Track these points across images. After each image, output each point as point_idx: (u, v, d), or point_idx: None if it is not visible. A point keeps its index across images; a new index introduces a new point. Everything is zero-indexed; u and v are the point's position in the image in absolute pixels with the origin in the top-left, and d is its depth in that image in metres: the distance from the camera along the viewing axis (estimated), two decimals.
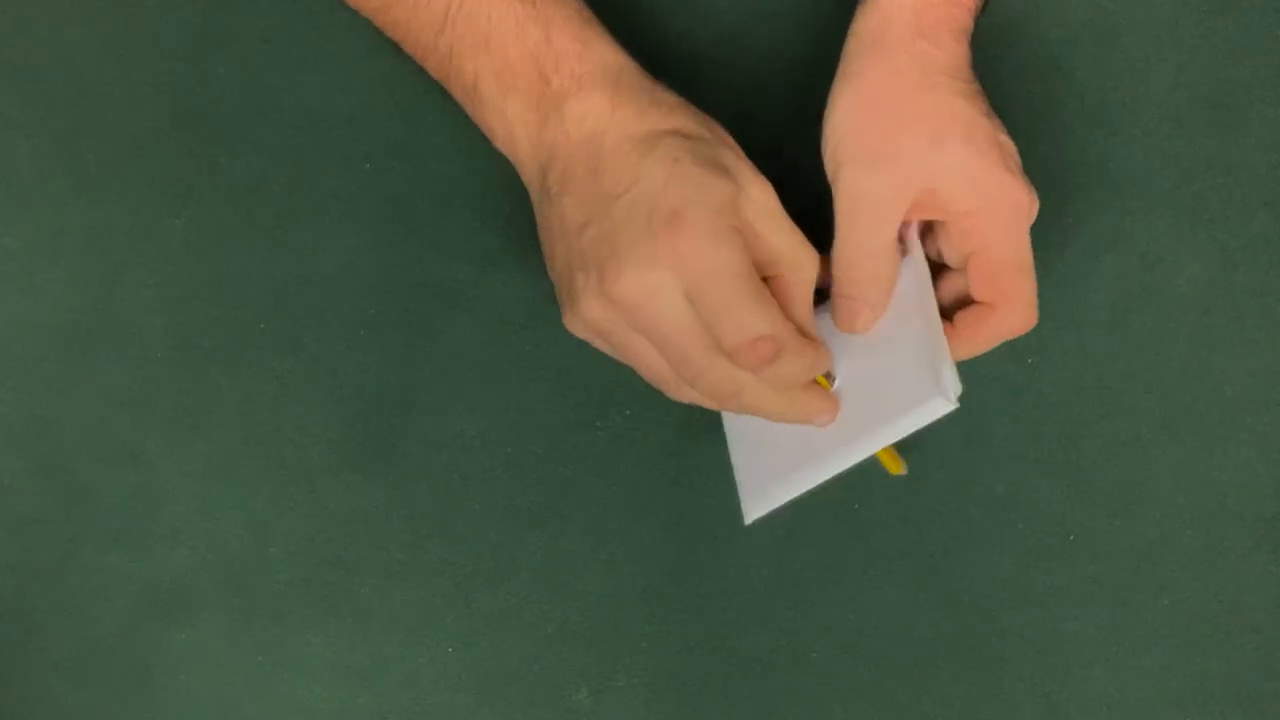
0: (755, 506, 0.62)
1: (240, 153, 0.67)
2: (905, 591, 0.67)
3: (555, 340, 0.67)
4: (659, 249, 0.54)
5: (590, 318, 0.57)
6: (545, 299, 0.66)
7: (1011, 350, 0.67)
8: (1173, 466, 0.67)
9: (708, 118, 0.58)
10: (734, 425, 0.64)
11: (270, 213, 0.67)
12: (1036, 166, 0.67)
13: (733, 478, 0.66)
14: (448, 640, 0.67)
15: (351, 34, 0.65)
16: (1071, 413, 0.67)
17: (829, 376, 0.61)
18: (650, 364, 0.57)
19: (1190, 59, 0.67)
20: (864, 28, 0.59)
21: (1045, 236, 0.67)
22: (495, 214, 0.67)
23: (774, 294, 0.57)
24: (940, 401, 0.58)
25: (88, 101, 0.66)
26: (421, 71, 0.63)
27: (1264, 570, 0.67)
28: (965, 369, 0.66)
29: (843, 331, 0.61)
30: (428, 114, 0.66)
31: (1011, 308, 0.59)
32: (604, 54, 0.58)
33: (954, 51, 0.58)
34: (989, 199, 0.58)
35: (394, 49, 0.63)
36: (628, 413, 0.67)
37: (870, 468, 0.68)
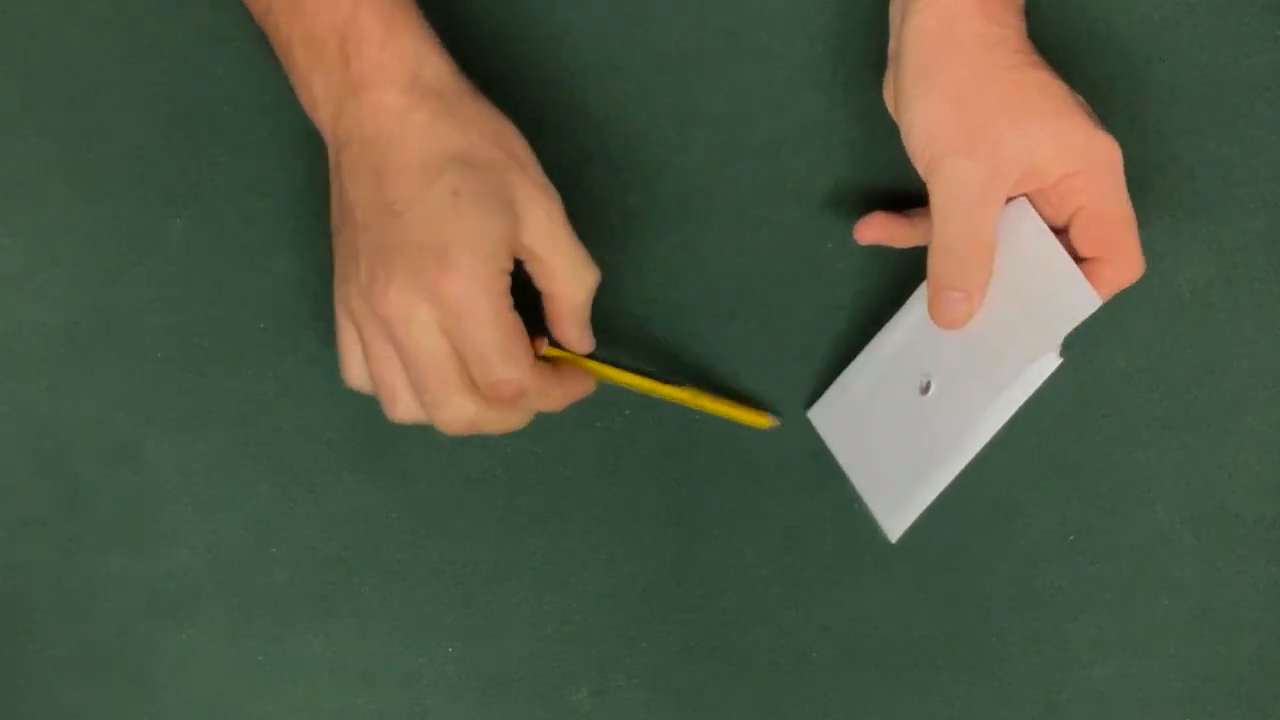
0: (897, 522, 0.64)
1: (240, 153, 0.67)
2: (905, 591, 0.67)
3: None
4: (424, 282, 0.55)
5: (352, 309, 0.58)
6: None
7: None
8: (1173, 466, 0.67)
9: (503, 128, 0.58)
10: (847, 454, 0.65)
11: (270, 213, 0.67)
12: None
13: (732, 479, 0.66)
14: (448, 640, 0.67)
15: None
16: (1072, 413, 0.67)
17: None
18: (385, 375, 0.58)
19: (1190, 59, 0.67)
20: (928, 21, 0.59)
21: None
22: None
23: (548, 310, 0.60)
24: (1049, 358, 0.60)
25: (88, 101, 0.66)
26: None
27: (1264, 570, 0.67)
28: None
29: (942, 327, 0.61)
30: None
31: (1122, 259, 0.60)
32: (408, 44, 0.57)
33: (1018, 26, 0.60)
34: (1085, 158, 0.58)
35: None
36: (627, 413, 0.67)
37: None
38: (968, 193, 0.59)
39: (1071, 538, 0.67)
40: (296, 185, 0.67)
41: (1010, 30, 0.59)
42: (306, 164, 0.66)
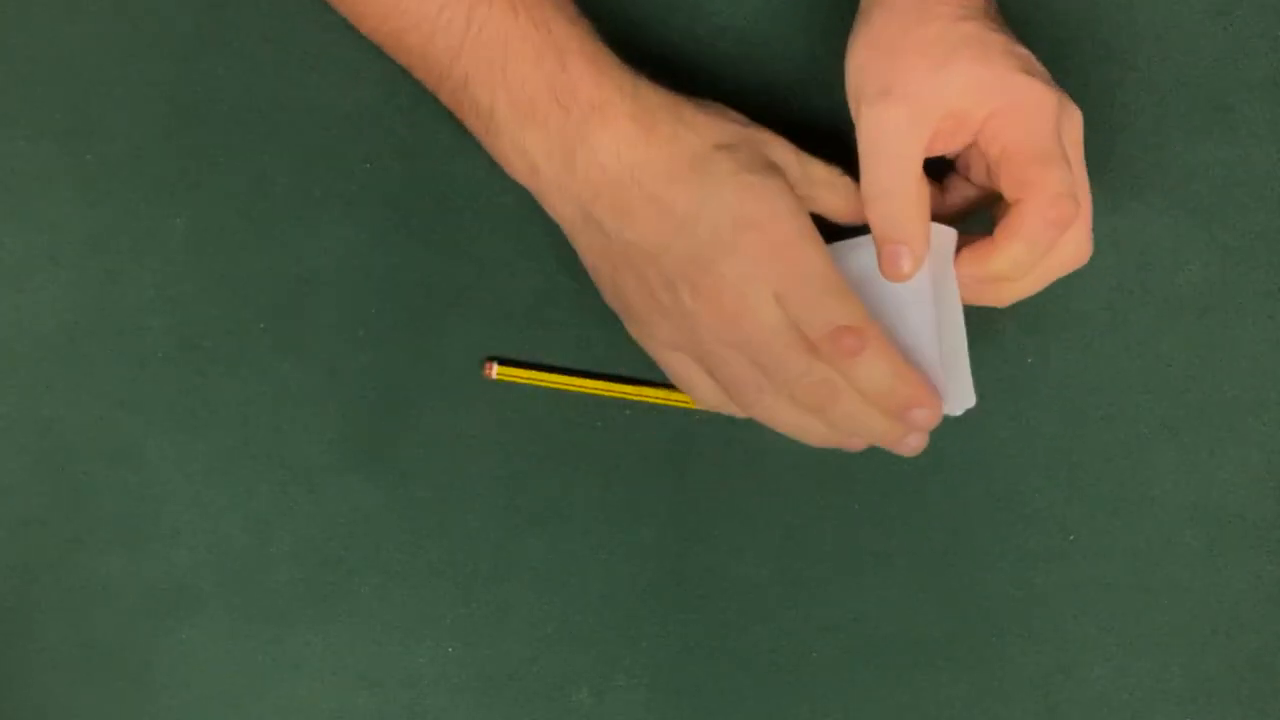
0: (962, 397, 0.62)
1: (240, 153, 0.66)
2: (905, 591, 0.67)
3: (555, 340, 0.67)
4: (747, 258, 0.56)
5: (676, 341, 0.59)
6: (545, 299, 0.67)
7: (1012, 350, 0.67)
8: (1173, 466, 0.67)
9: (724, 114, 0.60)
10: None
11: (270, 213, 0.67)
12: None
13: (732, 479, 0.66)
14: (448, 640, 0.67)
15: (352, 34, 0.65)
16: (1071, 413, 0.67)
17: None
18: (737, 374, 0.58)
19: (1190, 59, 0.67)
20: None
21: None
22: (495, 214, 0.66)
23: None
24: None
25: (88, 101, 0.66)
26: None
27: (1264, 570, 0.67)
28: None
29: (890, 280, 0.59)
30: (428, 114, 0.66)
31: (1039, 197, 0.57)
32: (618, 78, 0.58)
33: None
34: (1008, 99, 0.57)
35: None
36: (627, 413, 0.67)
37: (875, 468, 0.68)
38: (888, 139, 0.58)
39: (1071, 538, 0.67)
40: (297, 185, 0.67)
41: None
42: (307, 164, 0.66)
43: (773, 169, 0.58)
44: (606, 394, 0.66)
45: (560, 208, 0.60)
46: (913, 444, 0.60)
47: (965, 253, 0.59)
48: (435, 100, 0.64)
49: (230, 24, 0.66)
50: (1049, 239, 0.57)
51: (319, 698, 0.67)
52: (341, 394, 0.67)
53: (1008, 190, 0.58)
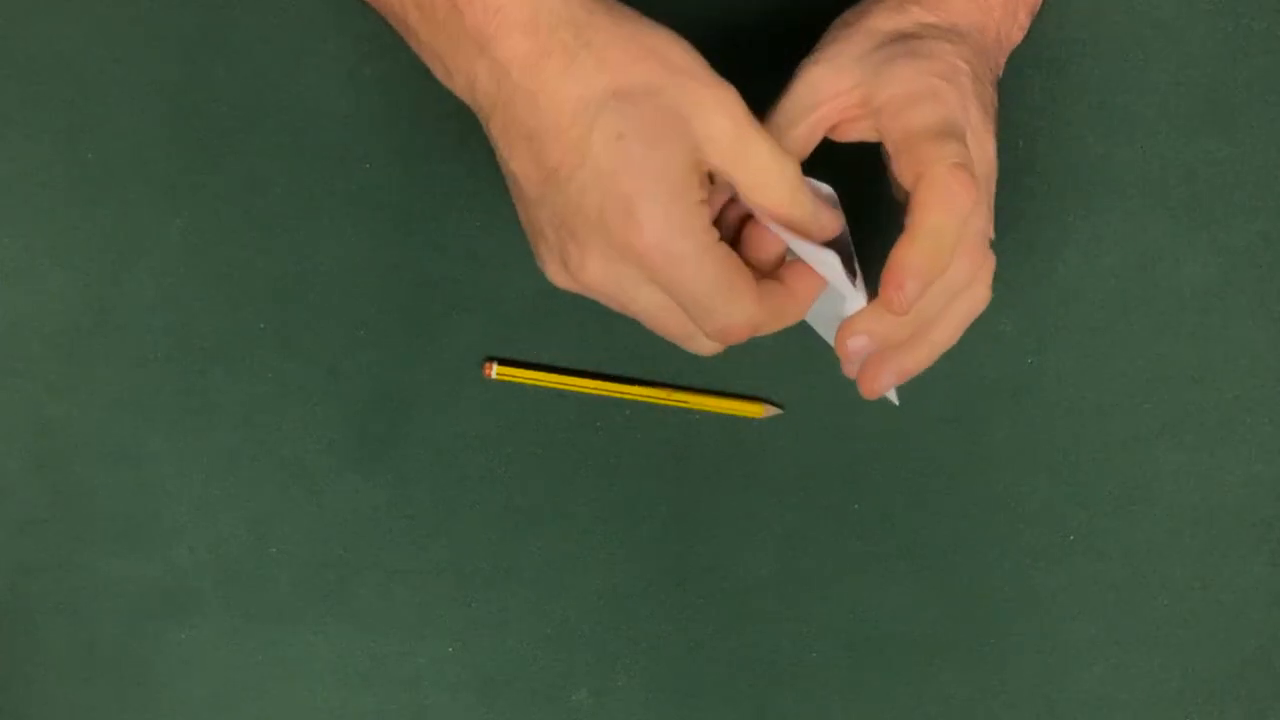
0: None
1: (240, 153, 0.67)
2: (905, 591, 0.67)
3: (555, 340, 0.67)
4: (617, 244, 0.50)
5: (564, 286, 0.54)
6: (545, 299, 0.67)
7: (1012, 350, 0.67)
8: (1173, 466, 0.67)
9: (653, 38, 0.51)
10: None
11: (270, 212, 0.67)
12: (1036, 166, 0.67)
13: (732, 479, 0.66)
14: (448, 640, 0.67)
15: (351, 34, 0.65)
16: (1071, 413, 0.67)
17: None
18: (650, 323, 0.54)
19: (1190, 59, 0.67)
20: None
21: (1044, 236, 0.67)
22: (495, 214, 0.67)
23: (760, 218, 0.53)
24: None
25: (88, 101, 0.66)
26: (422, 71, 0.62)
27: (1264, 570, 0.67)
28: (965, 370, 0.66)
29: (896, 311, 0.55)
30: (428, 114, 0.66)
31: (937, 166, 0.52)
32: None
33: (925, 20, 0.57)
34: (912, 87, 0.54)
35: (394, 49, 0.63)
36: (627, 413, 0.67)
37: (875, 468, 0.68)
38: (800, 86, 0.56)
39: (1071, 538, 0.67)
40: (297, 185, 0.67)
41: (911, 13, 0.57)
42: (307, 164, 0.66)
43: (679, 135, 0.50)
44: (606, 394, 0.66)
45: (477, 112, 0.54)
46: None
47: (890, 259, 0.52)
48: (435, 101, 0.64)
49: (230, 24, 0.66)
50: (956, 202, 0.51)
51: (319, 698, 0.67)
52: (341, 394, 0.67)
53: (910, 172, 0.53)
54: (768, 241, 0.55)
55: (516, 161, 0.52)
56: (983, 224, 0.55)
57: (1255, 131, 0.67)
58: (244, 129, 0.67)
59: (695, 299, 0.51)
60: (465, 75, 0.52)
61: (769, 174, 0.51)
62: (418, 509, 0.67)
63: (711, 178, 0.52)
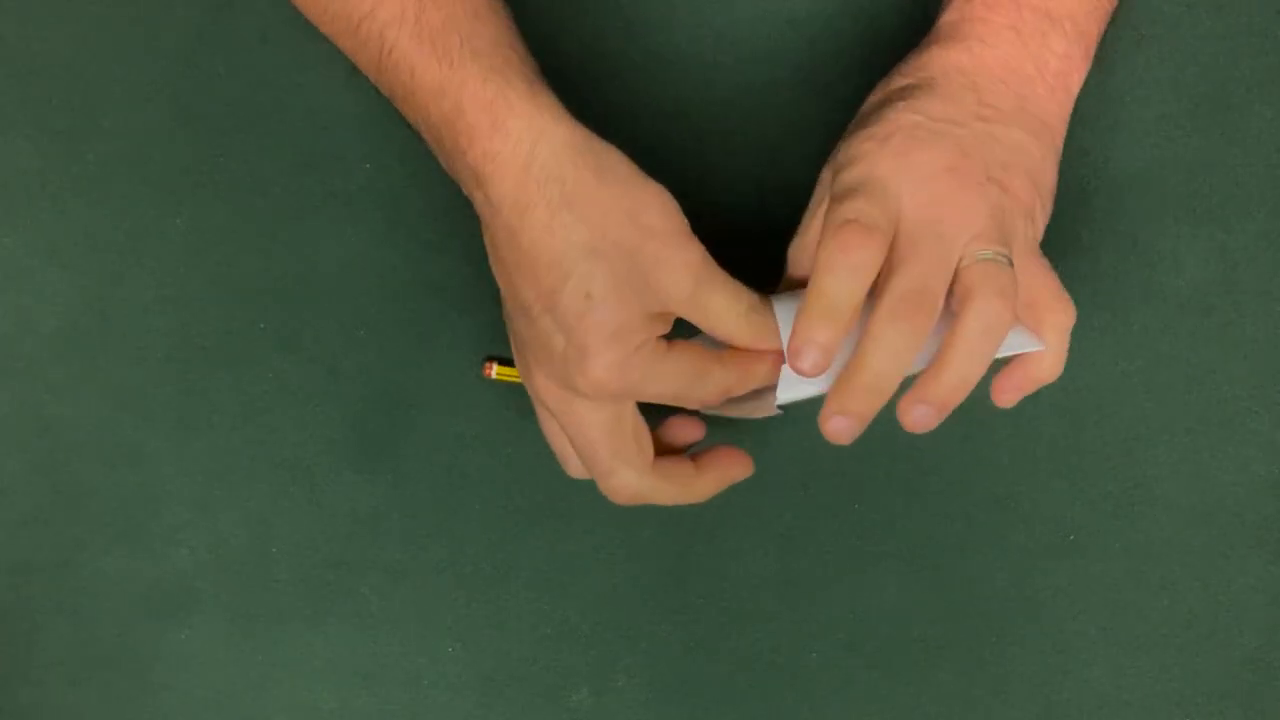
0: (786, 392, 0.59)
1: (240, 153, 0.67)
2: (905, 591, 0.67)
3: None
4: (568, 383, 0.55)
5: (524, 374, 0.59)
6: None
7: None
8: (1173, 466, 0.67)
9: (631, 199, 0.54)
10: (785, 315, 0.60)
11: (270, 212, 0.67)
12: None
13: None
14: (448, 640, 0.67)
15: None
16: (1072, 413, 0.67)
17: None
18: (556, 442, 0.61)
19: (1190, 59, 0.67)
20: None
21: (1044, 237, 0.67)
22: None
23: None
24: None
25: (88, 101, 0.66)
26: None
27: (1264, 570, 0.67)
28: None
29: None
30: None
31: (827, 229, 0.54)
32: (517, 128, 0.54)
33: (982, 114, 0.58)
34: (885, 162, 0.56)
35: None
36: None
37: (875, 468, 0.68)
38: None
39: (1071, 538, 0.67)
40: (297, 185, 0.67)
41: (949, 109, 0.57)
42: (307, 164, 0.66)
43: (640, 292, 0.54)
44: None
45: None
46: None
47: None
48: None
49: (230, 24, 0.66)
50: (835, 261, 0.53)
51: (319, 698, 0.67)
52: (341, 394, 0.67)
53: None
54: (686, 431, 0.62)
55: (500, 277, 0.57)
56: (910, 281, 0.54)
57: (1255, 131, 0.67)
58: (244, 129, 0.67)
59: (589, 453, 0.57)
60: (468, 190, 0.57)
61: (724, 320, 0.55)
62: (418, 509, 0.67)
63: None
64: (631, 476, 0.57)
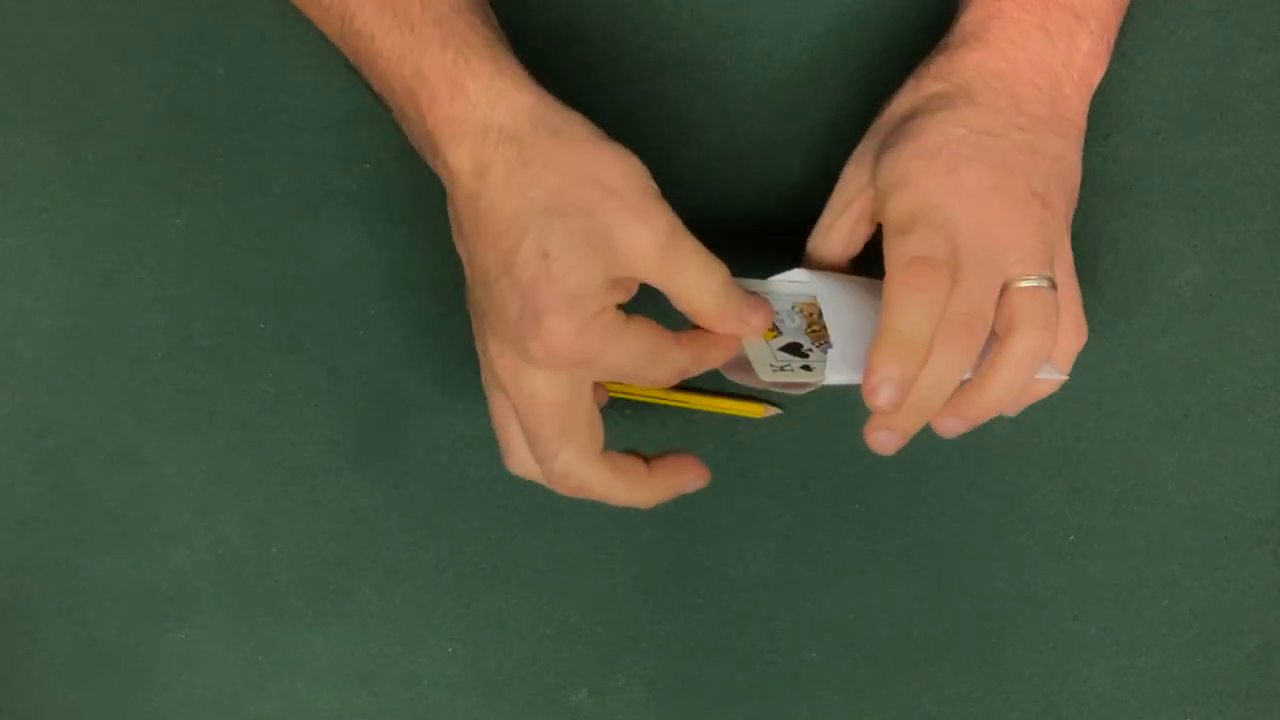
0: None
1: (240, 153, 0.67)
2: (905, 591, 0.67)
3: None
4: (530, 349, 0.53)
5: (482, 353, 0.57)
6: None
7: None
8: (1173, 466, 0.67)
9: (593, 158, 0.53)
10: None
11: (270, 212, 0.67)
12: None
13: (732, 479, 0.66)
14: (448, 640, 0.67)
15: None
16: (1071, 413, 0.67)
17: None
18: (504, 423, 0.58)
19: (1190, 59, 0.67)
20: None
21: None
22: None
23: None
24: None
25: (88, 101, 0.66)
26: None
27: (1264, 570, 0.67)
28: None
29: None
30: None
31: (894, 265, 0.55)
32: (476, 92, 0.53)
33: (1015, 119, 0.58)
34: (924, 184, 0.56)
35: None
36: (628, 412, 0.67)
37: (875, 468, 0.68)
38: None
39: (1071, 538, 0.67)
40: (297, 185, 0.67)
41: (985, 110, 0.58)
42: (307, 164, 0.66)
43: (600, 254, 0.52)
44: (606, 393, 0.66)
45: None
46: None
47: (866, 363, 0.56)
48: None
49: (230, 24, 0.66)
50: (910, 302, 0.54)
51: (319, 698, 0.67)
52: (341, 394, 0.67)
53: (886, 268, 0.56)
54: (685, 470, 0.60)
55: (461, 247, 0.56)
56: (964, 303, 0.55)
57: (1255, 131, 0.67)
58: (244, 129, 0.67)
59: (537, 429, 0.55)
60: (428, 159, 0.56)
61: (694, 292, 0.54)
62: (418, 509, 0.67)
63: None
64: (577, 460, 0.56)
